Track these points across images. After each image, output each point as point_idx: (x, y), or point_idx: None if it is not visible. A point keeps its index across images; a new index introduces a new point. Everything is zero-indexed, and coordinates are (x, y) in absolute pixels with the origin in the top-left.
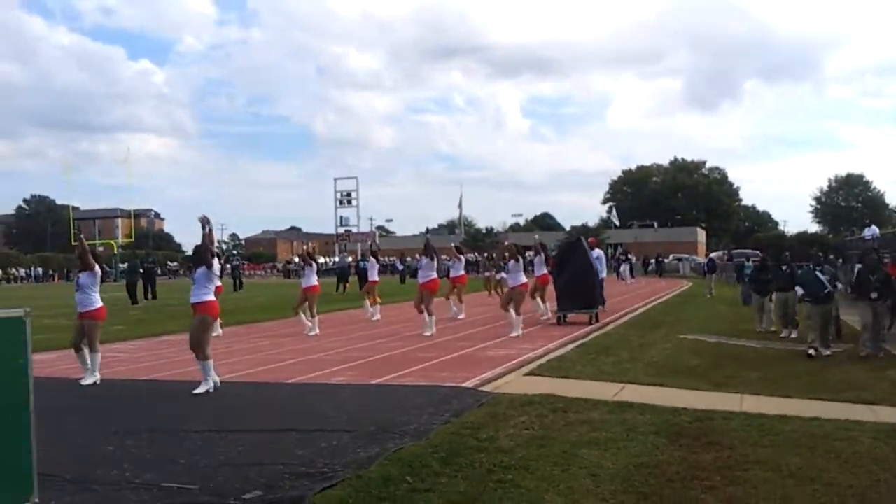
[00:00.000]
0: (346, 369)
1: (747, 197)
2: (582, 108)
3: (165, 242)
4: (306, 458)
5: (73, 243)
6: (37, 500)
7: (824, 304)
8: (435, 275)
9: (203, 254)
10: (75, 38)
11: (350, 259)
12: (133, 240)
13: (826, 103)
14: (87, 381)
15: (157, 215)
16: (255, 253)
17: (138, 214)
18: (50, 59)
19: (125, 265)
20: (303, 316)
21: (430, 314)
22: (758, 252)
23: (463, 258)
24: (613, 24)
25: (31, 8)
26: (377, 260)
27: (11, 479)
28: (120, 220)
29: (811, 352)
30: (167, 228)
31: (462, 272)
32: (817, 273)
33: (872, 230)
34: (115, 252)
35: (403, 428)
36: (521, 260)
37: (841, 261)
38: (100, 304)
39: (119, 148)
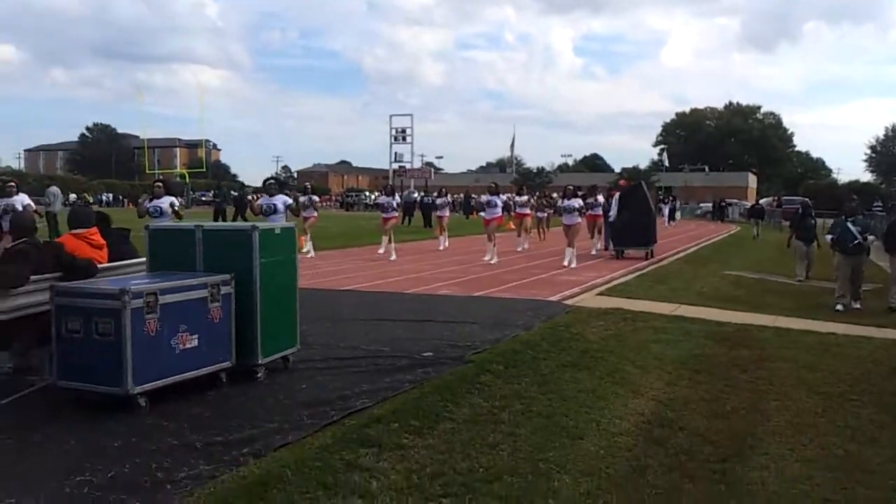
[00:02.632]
0: (446, 285)
1: (802, 143)
2: (635, 47)
3: (222, 172)
4: (451, 338)
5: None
6: (298, 346)
7: (854, 255)
8: (500, 211)
9: None
10: None
11: (416, 195)
12: (206, 169)
13: (888, 48)
14: None
15: (214, 146)
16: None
17: (196, 144)
18: None
19: (212, 192)
20: (384, 241)
21: (493, 244)
22: (806, 200)
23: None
24: None
25: None
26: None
27: (290, 333)
28: (178, 149)
29: (839, 307)
30: (223, 159)
31: (527, 210)
32: (849, 224)
33: None
34: (188, 181)
35: (515, 323)
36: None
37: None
38: None
39: (174, 79)
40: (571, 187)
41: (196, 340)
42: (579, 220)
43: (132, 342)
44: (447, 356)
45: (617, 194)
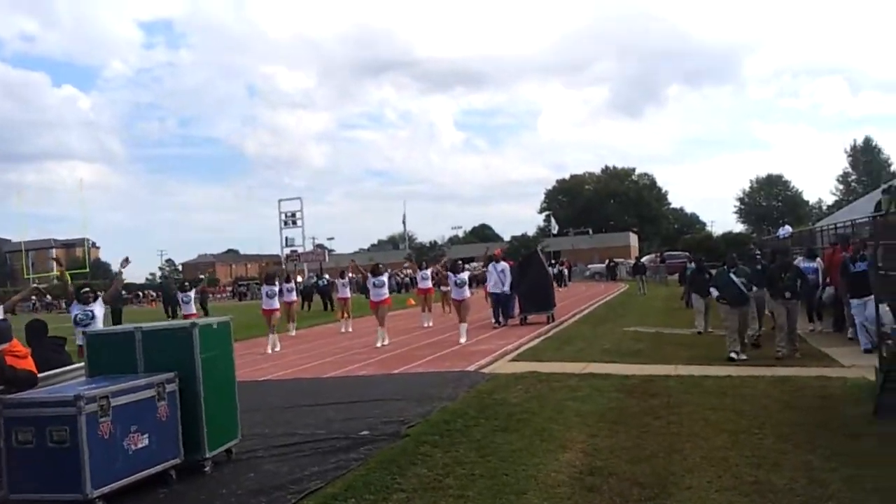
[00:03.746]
0: (362, 366)
1: (676, 200)
2: (514, 119)
3: (102, 271)
4: (382, 415)
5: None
6: (241, 436)
7: (740, 306)
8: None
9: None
10: None
11: (315, 279)
12: (88, 269)
13: (746, 104)
14: None
15: (93, 244)
16: (197, 278)
17: (73, 244)
18: None
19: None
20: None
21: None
22: (686, 253)
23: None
24: (541, 36)
25: None
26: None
27: (232, 425)
28: (54, 250)
29: (732, 355)
30: (103, 257)
31: (429, 284)
32: (731, 275)
33: (786, 229)
34: (70, 281)
35: (439, 395)
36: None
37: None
38: None
39: (46, 178)
40: (460, 262)
41: (147, 440)
42: (468, 294)
43: (88, 447)
44: (383, 433)
45: (501, 264)
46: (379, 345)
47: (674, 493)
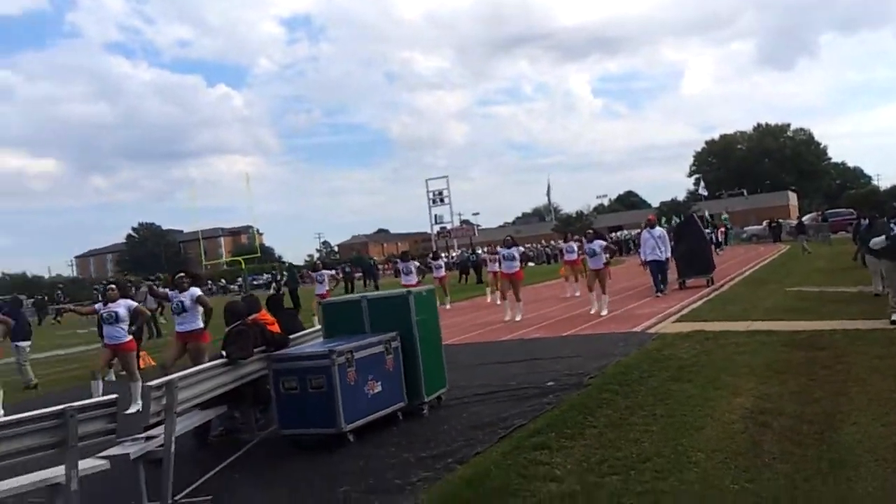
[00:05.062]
0: (534, 330)
1: (836, 154)
2: (654, 82)
3: (267, 256)
4: (563, 370)
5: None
6: (447, 387)
7: None
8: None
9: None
10: (156, 73)
11: (468, 254)
12: (259, 254)
13: None
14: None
15: (258, 231)
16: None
17: (239, 231)
18: (134, 95)
19: (284, 274)
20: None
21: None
22: (850, 210)
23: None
24: None
25: (114, 50)
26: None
27: (441, 376)
28: (222, 238)
29: (895, 317)
30: (266, 242)
31: (575, 256)
32: (892, 225)
33: None
34: (243, 267)
35: (612, 352)
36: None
37: None
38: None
39: (209, 171)
40: (591, 231)
41: (380, 386)
42: (603, 263)
43: (340, 390)
44: (567, 383)
45: (658, 230)
46: (508, 319)
47: (841, 428)
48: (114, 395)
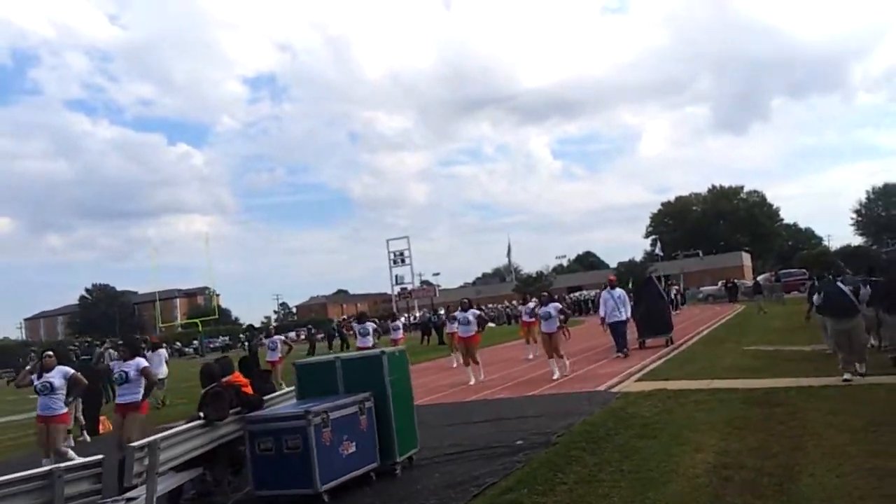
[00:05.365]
0: (499, 390)
1: (788, 215)
2: (611, 144)
3: (224, 318)
4: (530, 429)
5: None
6: (418, 447)
7: (848, 318)
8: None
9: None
10: (117, 130)
11: (429, 315)
12: (217, 315)
13: (857, 112)
14: None
15: (215, 292)
16: (310, 319)
17: (195, 293)
18: (94, 153)
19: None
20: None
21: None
22: (803, 270)
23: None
24: (633, 59)
25: (75, 107)
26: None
27: (413, 436)
28: (178, 299)
29: (846, 376)
30: (223, 303)
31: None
32: (839, 284)
33: None
34: (200, 330)
35: (577, 411)
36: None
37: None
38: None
39: (167, 230)
40: (545, 294)
41: (354, 446)
42: (557, 327)
43: (316, 451)
44: (536, 442)
45: (618, 291)
46: (472, 382)
47: (798, 480)
48: (100, 456)
